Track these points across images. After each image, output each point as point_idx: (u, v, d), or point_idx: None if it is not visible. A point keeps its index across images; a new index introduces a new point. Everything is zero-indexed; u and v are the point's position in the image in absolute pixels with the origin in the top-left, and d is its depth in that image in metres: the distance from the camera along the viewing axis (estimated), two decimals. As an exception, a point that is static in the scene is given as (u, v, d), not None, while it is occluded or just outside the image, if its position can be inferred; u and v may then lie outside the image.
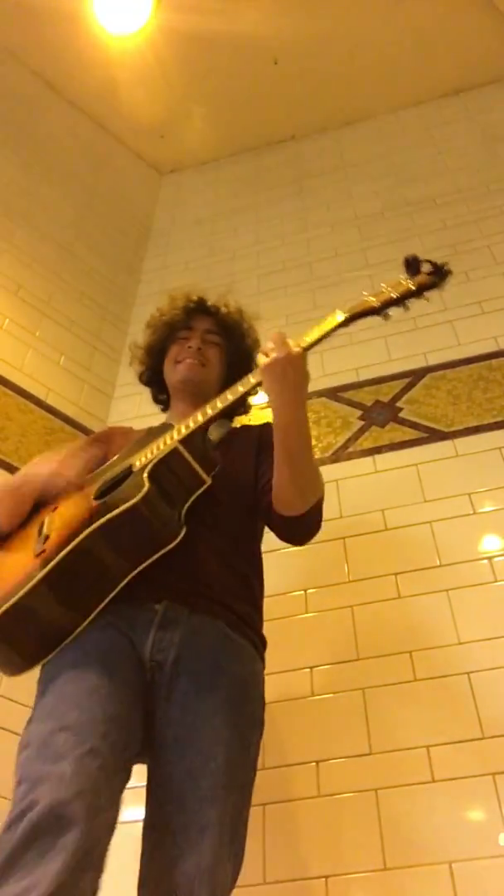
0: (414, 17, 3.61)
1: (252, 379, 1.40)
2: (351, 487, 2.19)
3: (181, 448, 1.36)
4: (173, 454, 1.35)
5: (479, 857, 1.44)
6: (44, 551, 1.29)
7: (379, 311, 1.42)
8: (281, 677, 1.81)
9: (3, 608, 1.20)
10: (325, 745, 1.69)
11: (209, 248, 3.58)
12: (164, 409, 1.83)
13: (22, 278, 2.92)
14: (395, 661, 1.78)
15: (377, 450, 2.29)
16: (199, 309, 1.76)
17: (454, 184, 3.32)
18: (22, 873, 0.91)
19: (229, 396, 1.40)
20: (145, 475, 1.29)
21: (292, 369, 1.32)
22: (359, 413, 2.45)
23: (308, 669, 1.83)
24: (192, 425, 1.39)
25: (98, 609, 1.24)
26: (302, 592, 1.99)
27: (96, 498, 1.38)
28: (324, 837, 1.56)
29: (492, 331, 2.53)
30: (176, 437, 1.38)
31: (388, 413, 2.40)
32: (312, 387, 2.55)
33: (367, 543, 2.06)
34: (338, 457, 2.31)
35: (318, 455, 2.30)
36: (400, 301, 1.42)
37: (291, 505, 1.37)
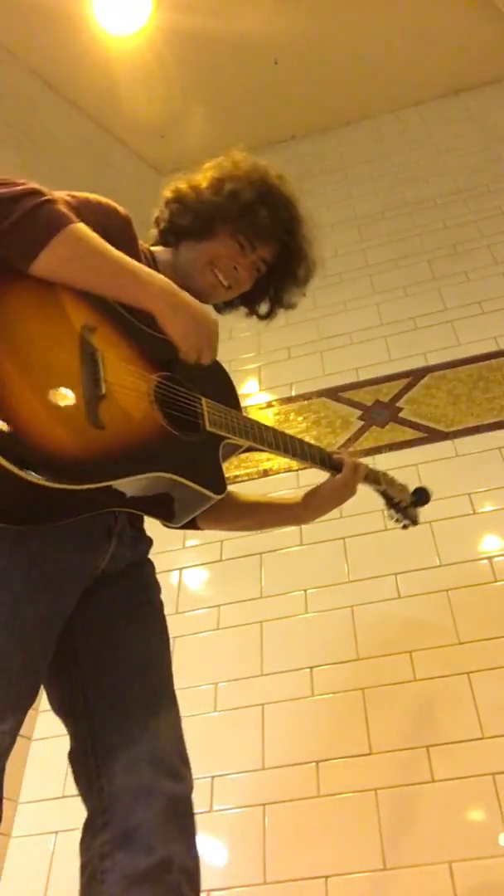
0: (414, 17, 3.61)
1: (320, 465, 1.37)
2: (351, 487, 2.19)
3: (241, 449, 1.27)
4: (234, 448, 1.25)
5: (479, 857, 1.44)
6: (104, 430, 0.98)
7: (381, 494, 1.55)
8: (281, 677, 1.81)
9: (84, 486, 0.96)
10: (325, 745, 1.69)
11: (209, 248, 3.57)
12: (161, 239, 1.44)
13: (22, 278, 2.92)
14: (395, 661, 1.78)
15: (377, 450, 2.29)
16: (286, 234, 1.38)
17: (454, 184, 3.32)
18: None
19: (318, 459, 1.36)
20: (222, 465, 1.17)
21: (345, 499, 1.37)
22: (359, 413, 2.45)
23: (308, 669, 1.83)
24: (263, 446, 1.27)
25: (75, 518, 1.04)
26: (302, 592, 1.99)
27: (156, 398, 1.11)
28: (324, 837, 1.56)
29: (492, 331, 2.53)
30: (251, 440, 1.25)
31: (388, 413, 2.40)
32: (313, 387, 2.60)
33: (367, 543, 2.06)
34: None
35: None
36: (394, 504, 1.56)
37: (209, 528, 1.38)
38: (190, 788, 1.06)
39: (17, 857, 1.71)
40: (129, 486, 1.03)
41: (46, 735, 1.86)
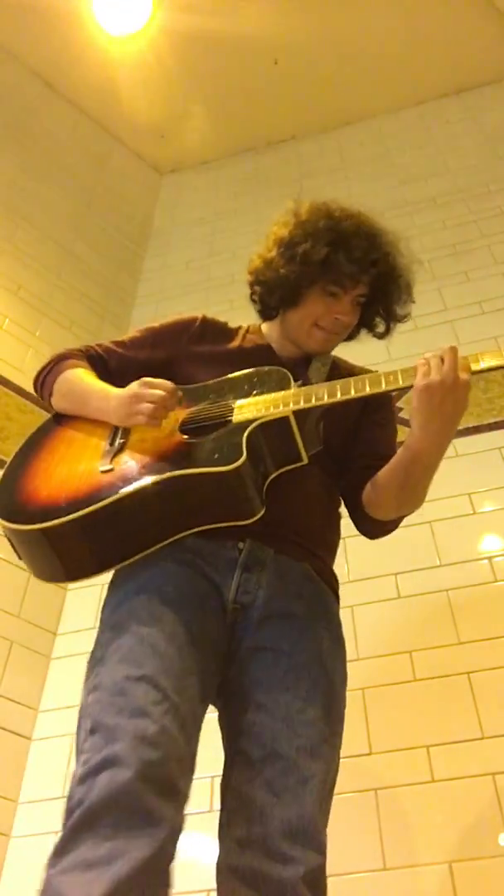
0: (414, 18, 3.61)
1: (401, 381, 1.19)
2: (351, 487, 2.19)
3: (292, 420, 1.19)
4: (282, 422, 1.19)
5: (479, 857, 1.44)
6: (110, 471, 1.17)
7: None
8: (281, 677, 1.81)
9: (92, 507, 1.11)
10: (325, 745, 1.69)
11: (209, 248, 3.58)
12: (259, 318, 1.52)
13: (22, 278, 2.92)
14: (395, 661, 1.78)
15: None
16: (373, 266, 1.38)
17: (454, 184, 3.32)
18: (100, 838, 0.86)
19: (368, 388, 1.20)
20: (244, 440, 1.14)
21: (452, 401, 1.13)
22: (359, 413, 2.45)
23: (308, 669, 1.83)
24: (315, 401, 1.19)
25: (165, 542, 1.15)
26: (302, 592, 1.99)
27: (183, 429, 1.23)
28: (324, 837, 1.56)
29: (492, 331, 2.53)
30: (292, 405, 1.18)
31: (388, 413, 2.40)
32: (312, 387, 2.60)
33: (367, 543, 2.06)
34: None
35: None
36: None
37: (384, 514, 1.33)
38: (300, 872, 0.97)
39: (17, 857, 1.71)
40: (144, 504, 1.14)
41: (46, 735, 1.85)
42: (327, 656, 1.17)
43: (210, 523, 1.16)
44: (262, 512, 1.16)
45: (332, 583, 1.30)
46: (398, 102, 3.93)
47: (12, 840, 1.75)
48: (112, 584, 1.21)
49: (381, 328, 1.48)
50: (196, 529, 1.16)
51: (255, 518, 1.16)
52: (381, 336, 1.50)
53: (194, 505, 1.16)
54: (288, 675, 1.11)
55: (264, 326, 1.50)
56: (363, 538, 2.08)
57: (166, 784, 0.92)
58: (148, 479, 1.13)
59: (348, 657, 1.82)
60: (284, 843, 0.98)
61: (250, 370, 1.31)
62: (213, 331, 1.48)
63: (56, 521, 1.11)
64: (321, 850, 1.02)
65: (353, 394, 1.20)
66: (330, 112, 3.99)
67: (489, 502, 2.03)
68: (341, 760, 1.64)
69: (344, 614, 1.92)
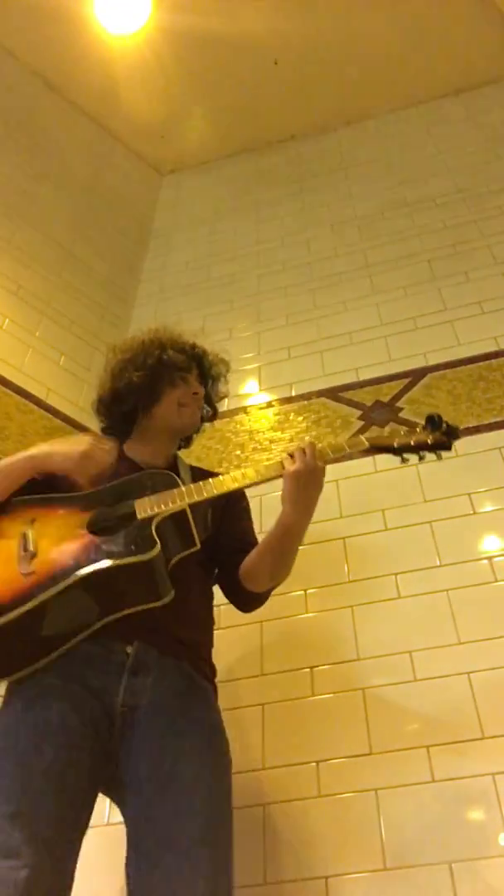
0: (414, 18, 3.61)
1: (271, 473, 1.45)
2: (351, 487, 2.19)
3: (188, 511, 1.39)
4: (180, 514, 1.39)
5: (479, 857, 1.44)
6: (33, 573, 1.29)
7: (396, 451, 1.50)
8: (281, 677, 1.81)
9: (21, 610, 1.23)
10: (325, 745, 1.69)
11: (209, 248, 3.58)
12: (112, 437, 1.72)
13: (22, 278, 2.92)
14: (394, 660, 1.78)
15: (377, 450, 2.29)
16: (197, 357, 1.80)
17: (454, 184, 3.32)
18: None
19: (250, 478, 1.44)
20: (153, 531, 1.33)
21: (313, 482, 1.43)
22: (359, 413, 2.45)
23: (308, 669, 1.83)
24: (210, 492, 1.42)
25: (68, 645, 1.28)
26: (302, 592, 1.99)
27: (90, 530, 1.38)
28: (324, 837, 1.56)
29: (492, 331, 2.53)
30: (185, 498, 1.40)
31: (388, 413, 2.40)
32: (313, 387, 2.60)
33: (367, 543, 2.06)
34: (338, 457, 2.31)
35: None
36: (415, 449, 1.49)
37: (261, 586, 1.52)
38: None
39: (17, 857, 1.71)
40: (69, 599, 1.26)
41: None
42: (206, 748, 1.29)
43: (124, 609, 1.30)
44: (172, 594, 1.33)
45: (207, 673, 1.44)
46: (398, 102, 3.93)
47: (12, 840, 1.75)
48: (5, 695, 1.31)
49: (211, 405, 1.84)
50: (109, 619, 1.30)
51: (167, 599, 1.32)
52: (210, 417, 1.86)
53: (116, 593, 1.30)
54: (174, 770, 1.22)
55: (126, 448, 1.69)
56: (364, 539, 2.09)
57: None
58: (77, 573, 1.26)
59: (348, 657, 1.83)
60: None
61: (138, 474, 1.51)
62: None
63: None
64: None
65: (239, 484, 1.43)
66: (330, 112, 3.99)
67: (489, 502, 2.03)
68: (341, 760, 1.65)
69: (344, 614, 1.93)
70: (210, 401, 1.83)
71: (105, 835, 1.46)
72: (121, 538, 1.34)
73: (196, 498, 1.41)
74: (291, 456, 1.44)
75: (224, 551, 1.56)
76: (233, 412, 2.60)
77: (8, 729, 1.24)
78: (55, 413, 2.59)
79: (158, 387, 1.70)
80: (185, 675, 1.36)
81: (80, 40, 3.54)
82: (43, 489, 1.49)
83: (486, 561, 1.90)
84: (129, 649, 1.32)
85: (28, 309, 2.85)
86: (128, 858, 1.18)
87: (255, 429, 2.53)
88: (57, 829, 1.11)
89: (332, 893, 1.48)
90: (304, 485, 1.42)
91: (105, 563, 1.27)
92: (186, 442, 1.83)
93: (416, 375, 2.49)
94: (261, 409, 2.61)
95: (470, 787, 1.54)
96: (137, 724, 1.27)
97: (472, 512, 2.02)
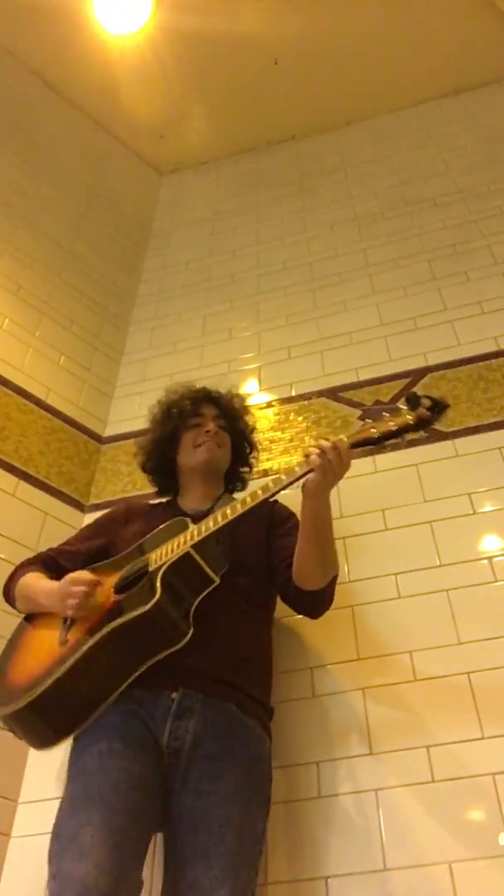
0: (414, 18, 3.61)
1: (298, 469, 1.48)
2: (351, 487, 2.17)
3: (193, 552, 1.47)
4: (185, 558, 1.47)
5: (479, 857, 1.44)
6: (67, 641, 1.43)
7: (376, 441, 1.48)
8: (281, 677, 1.81)
9: (41, 689, 1.34)
10: (326, 745, 1.69)
11: (209, 248, 3.58)
12: (168, 495, 1.94)
13: (22, 278, 2.92)
14: (395, 661, 1.78)
15: (377, 450, 2.29)
16: (206, 398, 1.96)
17: (454, 184, 3.32)
18: None
19: (271, 486, 1.48)
20: (158, 582, 1.41)
21: (342, 473, 1.50)
22: (359, 413, 2.45)
23: (308, 669, 1.83)
24: (208, 528, 1.49)
25: (112, 697, 1.38)
26: (302, 592, 1.98)
27: (116, 590, 1.51)
28: (324, 837, 1.56)
29: (492, 331, 2.53)
30: (188, 540, 1.49)
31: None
32: (313, 387, 2.60)
33: (367, 543, 2.06)
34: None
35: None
36: (398, 434, 1.45)
37: (315, 581, 1.57)
38: None
39: (17, 857, 1.71)
40: (98, 658, 1.37)
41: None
42: (242, 791, 1.38)
43: (150, 658, 1.39)
44: (190, 633, 1.41)
45: (257, 713, 1.52)
46: (398, 102, 3.93)
47: (12, 840, 1.75)
48: (74, 740, 1.44)
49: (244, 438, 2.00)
50: (141, 669, 1.39)
51: (185, 641, 1.40)
52: (249, 450, 2.02)
53: (134, 646, 1.39)
54: (206, 812, 1.32)
55: (179, 501, 1.86)
56: (364, 538, 2.09)
57: None
58: (93, 639, 1.37)
59: (348, 657, 1.83)
60: None
61: (162, 526, 1.64)
62: (137, 511, 1.86)
63: (39, 691, 1.34)
64: None
65: (248, 503, 1.48)
66: (330, 112, 3.99)
67: (489, 502, 2.03)
68: (340, 761, 1.65)
69: (344, 614, 1.93)
70: (241, 435, 1.97)
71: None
72: (135, 595, 1.44)
73: (196, 538, 1.48)
74: (320, 450, 1.47)
75: (276, 566, 1.65)
76: (233, 412, 2.60)
77: (77, 759, 1.38)
78: (55, 413, 2.59)
79: (176, 436, 1.89)
80: (229, 716, 1.45)
81: (80, 40, 3.54)
82: (102, 558, 1.69)
83: (486, 561, 1.90)
84: (175, 695, 1.42)
85: (28, 309, 2.85)
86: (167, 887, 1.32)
87: (255, 429, 2.53)
88: (124, 834, 1.21)
89: (332, 893, 1.48)
90: (335, 476, 1.48)
91: (111, 625, 1.37)
92: (241, 483, 1.97)
93: (416, 375, 2.49)
94: (261, 409, 2.61)
95: (470, 787, 1.54)
96: (181, 766, 1.37)
97: (472, 512, 2.02)
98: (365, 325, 2.77)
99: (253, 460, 2.02)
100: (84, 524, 2.12)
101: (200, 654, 1.44)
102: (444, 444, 2.22)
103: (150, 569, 1.48)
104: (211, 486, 1.85)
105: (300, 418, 2.52)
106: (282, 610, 1.94)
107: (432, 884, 1.43)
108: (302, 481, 1.49)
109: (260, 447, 2.17)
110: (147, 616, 1.37)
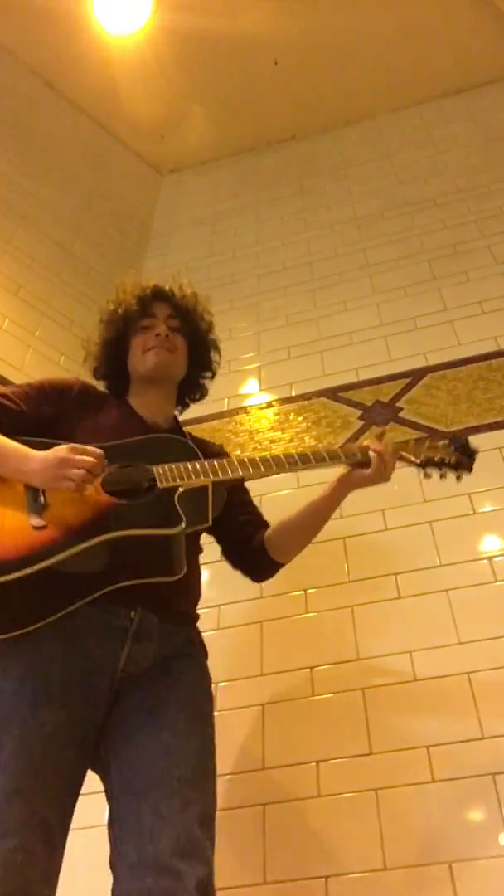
0: (414, 18, 3.61)
1: (359, 455, 1.47)
2: (351, 487, 2.19)
3: (210, 488, 1.37)
4: (201, 491, 1.36)
5: (479, 857, 1.44)
6: (45, 527, 1.20)
7: (421, 465, 1.54)
8: (281, 677, 1.81)
9: (17, 574, 1.14)
10: (325, 745, 1.69)
11: (209, 248, 3.58)
12: (120, 393, 1.69)
13: (22, 278, 2.92)
14: (394, 660, 1.78)
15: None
16: (156, 296, 1.74)
17: (454, 184, 3.32)
18: None
19: (313, 460, 1.46)
20: (177, 504, 1.29)
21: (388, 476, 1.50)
22: (359, 413, 2.45)
23: (308, 669, 1.83)
24: (234, 471, 1.39)
25: (74, 606, 1.21)
26: (302, 592, 1.99)
27: (109, 491, 1.30)
28: (324, 837, 1.56)
29: (492, 331, 2.53)
30: (209, 472, 1.37)
31: (388, 413, 2.40)
32: (313, 386, 2.60)
33: (367, 543, 2.06)
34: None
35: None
36: (439, 465, 1.54)
37: (290, 557, 1.58)
38: (191, 883, 1.06)
39: None
40: (84, 558, 1.19)
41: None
42: (201, 701, 1.32)
43: (137, 579, 1.27)
44: (184, 571, 1.31)
45: (199, 638, 1.45)
46: (398, 102, 3.93)
47: None
48: (2, 657, 1.20)
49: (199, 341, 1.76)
50: (120, 584, 1.25)
51: (179, 575, 1.30)
52: (205, 378, 1.79)
53: (131, 561, 1.26)
54: (166, 718, 1.23)
55: (130, 401, 1.65)
56: (364, 538, 2.09)
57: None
58: (103, 536, 1.21)
59: (348, 657, 1.83)
60: (174, 859, 1.07)
61: (153, 437, 1.50)
62: (91, 398, 1.61)
63: (15, 575, 1.13)
64: (208, 863, 1.12)
65: (286, 467, 1.46)
66: (330, 112, 3.99)
67: (489, 502, 2.03)
68: (341, 760, 1.65)
69: (344, 614, 1.93)
70: (198, 336, 1.74)
71: (96, 836, 1.46)
72: (143, 506, 1.29)
73: (221, 476, 1.38)
74: (378, 449, 1.47)
75: (235, 523, 1.56)
76: (233, 412, 2.60)
77: (7, 696, 1.15)
78: (55, 413, 2.59)
79: (125, 339, 1.69)
80: (185, 639, 1.38)
81: (79, 40, 3.54)
82: (41, 432, 1.39)
83: (486, 561, 1.90)
84: (133, 615, 1.28)
85: (28, 309, 2.85)
86: (110, 813, 1.18)
87: (255, 429, 2.53)
88: (53, 808, 1.09)
89: (332, 893, 1.48)
90: (381, 477, 1.48)
91: (133, 531, 1.24)
92: (199, 391, 1.77)
93: (417, 375, 2.49)
94: (261, 409, 2.61)
95: (470, 787, 1.54)
96: (133, 688, 1.26)
97: (472, 512, 2.02)
98: (365, 325, 2.77)
99: (215, 364, 1.79)
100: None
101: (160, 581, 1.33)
102: (444, 444, 2.22)
103: (160, 485, 1.32)
104: (163, 395, 1.66)
105: (300, 418, 2.52)
106: (282, 609, 1.95)
107: (432, 884, 1.43)
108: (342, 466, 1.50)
109: (260, 447, 2.17)
110: (166, 540, 1.27)
